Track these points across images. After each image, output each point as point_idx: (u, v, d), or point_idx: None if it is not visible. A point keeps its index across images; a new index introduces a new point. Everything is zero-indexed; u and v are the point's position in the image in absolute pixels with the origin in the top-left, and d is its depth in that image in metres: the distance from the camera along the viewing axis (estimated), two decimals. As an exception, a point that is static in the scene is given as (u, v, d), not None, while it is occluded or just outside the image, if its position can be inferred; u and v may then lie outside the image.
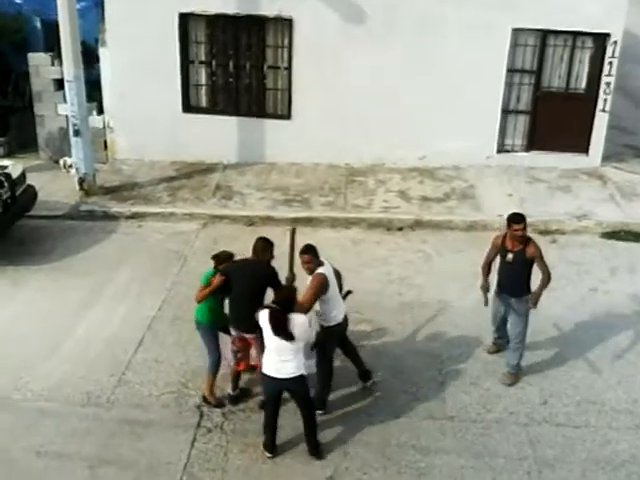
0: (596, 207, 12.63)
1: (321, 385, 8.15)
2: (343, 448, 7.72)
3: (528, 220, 11.83)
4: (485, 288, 8.67)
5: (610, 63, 13.37)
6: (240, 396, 8.34)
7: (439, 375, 8.74)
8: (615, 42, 13.20)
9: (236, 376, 8.30)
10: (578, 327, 9.70)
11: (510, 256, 8.27)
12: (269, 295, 7.71)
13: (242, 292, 7.71)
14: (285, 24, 13.39)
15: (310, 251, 7.73)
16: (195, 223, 12.17)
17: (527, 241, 8.22)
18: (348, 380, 8.61)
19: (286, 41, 13.54)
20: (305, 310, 7.45)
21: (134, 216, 12.26)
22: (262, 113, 14.05)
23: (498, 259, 8.54)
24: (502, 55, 13.36)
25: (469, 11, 12.96)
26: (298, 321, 7.23)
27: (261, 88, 13.93)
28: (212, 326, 8.14)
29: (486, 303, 8.73)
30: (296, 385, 7.40)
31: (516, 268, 8.27)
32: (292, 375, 7.31)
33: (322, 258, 7.81)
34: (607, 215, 12.39)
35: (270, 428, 7.63)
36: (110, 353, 9.00)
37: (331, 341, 8.08)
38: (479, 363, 8.95)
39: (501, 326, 8.79)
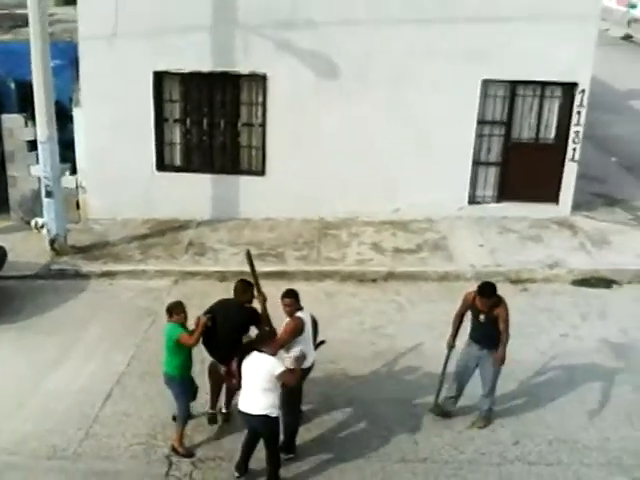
0: (567, 255, 12.74)
1: (290, 429, 8.12)
2: (315, 495, 7.64)
3: (500, 270, 12.30)
4: (450, 345, 8.70)
5: (578, 112, 13.58)
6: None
7: (411, 419, 8.70)
8: (583, 91, 13.42)
9: (229, 393, 8.52)
10: (549, 371, 9.74)
11: (482, 317, 8.38)
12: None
13: (226, 330, 8.03)
14: (259, 80, 13.56)
15: (292, 295, 8.06)
16: (167, 280, 12.13)
17: (498, 302, 8.33)
18: (320, 425, 8.57)
19: (260, 98, 13.70)
20: (276, 348, 7.68)
21: (105, 274, 12.21)
22: (236, 170, 14.13)
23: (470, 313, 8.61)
24: (473, 106, 13.55)
25: (440, 64, 13.18)
26: (261, 362, 7.40)
27: (235, 145, 14.04)
28: (184, 379, 8.14)
29: (433, 410, 8.75)
30: (260, 424, 7.51)
31: (488, 326, 8.36)
32: (256, 413, 7.43)
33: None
34: (578, 263, 12.49)
35: (243, 453, 7.81)
36: (78, 407, 8.88)
37: (298, 385, 8.08)
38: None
39: (463, 381, 8.71)
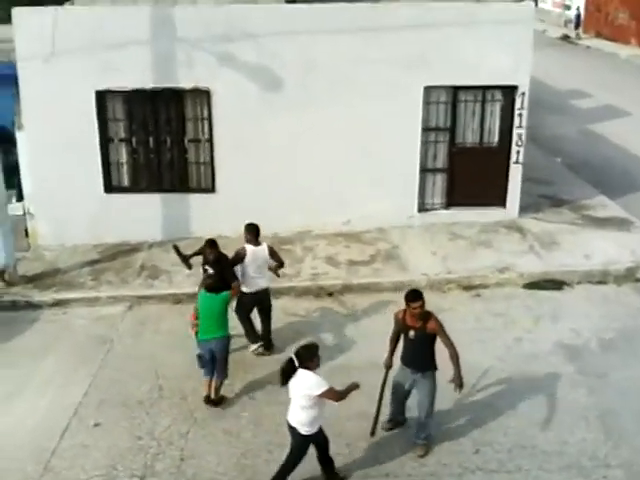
0: (517, 259, 12.93)
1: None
2: (279, 518, 7.60)
3: (451, 277, 12.39)
4: (387, 365, 8.57)
5: (520, 115, 13.82)
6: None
7: (363, 436, 8.67)
8: (523, 93, 13.69)
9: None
10: (506, 377, 9.85)
11: (412, 333, 8.21)
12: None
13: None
14: (203, 95, 13.53)
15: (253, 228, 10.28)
16: (121, 306, 11.96)
17: (427, 316, 8.17)
18: (281, 445, 8.53)
19: (205, 113, 13.67)
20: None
21: (58, 303, 12.01)
22: (186, 188, 14.08)
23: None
24: (416, 114, 13.71)
25: (381, 73, 13.32)
26: (303, 380, 7.58)
27: (183, 162, 13.97)
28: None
29: (372, 433, 8.62)
30: (291, 434, 7.78)
31: (419, 344, 8.20)
32: (290, 423, 7.74)
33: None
34: (528, 266, 12.69)
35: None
36: (35, 442, 8.72)
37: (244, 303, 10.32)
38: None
39: (401, 401, 8.62)
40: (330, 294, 12.28)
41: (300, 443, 7.75)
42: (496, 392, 9.52)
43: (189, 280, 12.39)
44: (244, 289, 10.19)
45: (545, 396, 9.41)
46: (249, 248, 10.16)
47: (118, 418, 9.07)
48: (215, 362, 9.32)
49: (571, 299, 11.93)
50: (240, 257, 10.11)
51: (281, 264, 10.51)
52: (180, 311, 11.31)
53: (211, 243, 10.18)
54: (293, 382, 7.63)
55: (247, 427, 8.99)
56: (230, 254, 10.46)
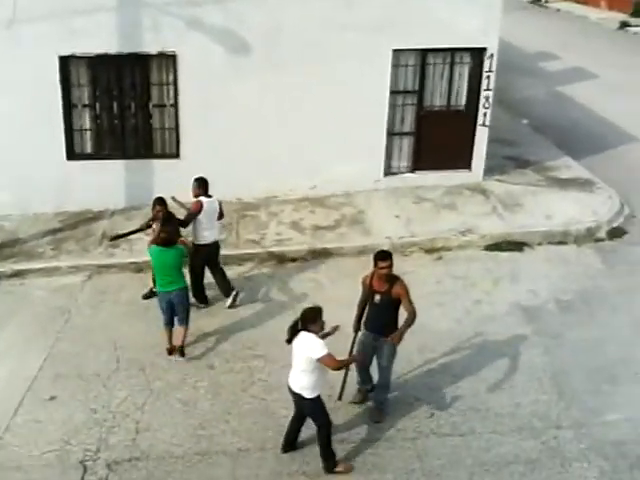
0: (479, 221, 12.93)
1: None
2: (233, 487, 7.64)
3: (415, 240, 12.37)
4: (356, 330, 8.53)
5: (488, 77, 13.72)
6: None
7: (330, 401, 8.59)
8: (492, 55, 13.56)
9: None
10: (463, 339, 9.91)
11: (377, 297, 8.19)
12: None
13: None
14: (169, 60, 13.29)
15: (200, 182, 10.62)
16: (81, 275, 11.84)
17: (394, 280, 8.15)
18: (239, 415, 8.58)
19: (171, 77, 13.44)
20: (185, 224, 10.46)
21: (16, 274, 11.85)
22: (150, 154, 13.87)
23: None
24: (384, 77, 13.56)
25: (350, 36, 13.11)
26: (304, 343, 7.50)
27: (147, 128, 13.76)
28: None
29: (340, 397, 8.60)
30: (297, 401, 7.76)
31: (383, 309, 8.20)
32: (293, 390, 7.71)
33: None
34: (490, 228, 12.71)
35: (288, 428, 8.09)
36: (-12, 420, 8.67)
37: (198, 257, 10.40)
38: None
39: (366, 367, 8.59)
40: (294, 260, 12.23)
41: (312, 407, 7.71)
42: (452, 356, 9.57)
43: (151, 248, 12.35)
44: (199, 242, 10.44)
45: (500, 358, 9.48)
46: (204, 200, 10.36)
47: (74, 392, 9.03)
48: (174, 312, 9.59)
49: (531, 260, 11.99)
50: (198, 210, 10.26)
51: (221, 216, 10.77)
52: (141, 280, 11.23)
53: (160, 201, 10.30)
54: (295, 344, 7.60)
55: (205, 397, 8.98)
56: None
